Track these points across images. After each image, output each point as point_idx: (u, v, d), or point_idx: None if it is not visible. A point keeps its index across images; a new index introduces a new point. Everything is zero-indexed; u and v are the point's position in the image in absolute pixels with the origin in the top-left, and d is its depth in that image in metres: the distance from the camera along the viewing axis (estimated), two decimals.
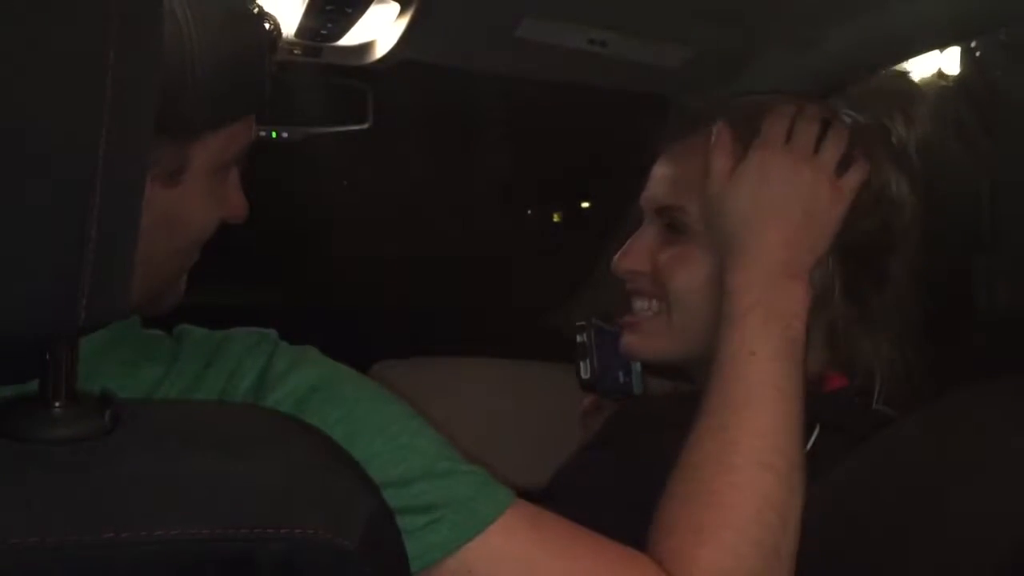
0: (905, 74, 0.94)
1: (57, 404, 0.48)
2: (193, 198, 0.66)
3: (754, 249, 0.81)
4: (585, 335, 1.09)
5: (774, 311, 0.78)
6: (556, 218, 2.30)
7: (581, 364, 1.08)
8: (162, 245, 0.66)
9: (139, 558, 0.45)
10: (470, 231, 1.86)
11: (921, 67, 1.13)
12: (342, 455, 0.55)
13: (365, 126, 1.25)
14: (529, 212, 2.26)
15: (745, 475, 0.71)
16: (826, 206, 0.83)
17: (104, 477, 0.46)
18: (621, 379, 1.08)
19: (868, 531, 0.69)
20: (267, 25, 0.71)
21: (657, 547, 0.69)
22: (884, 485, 0.72)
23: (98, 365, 0.58)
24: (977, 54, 1.15)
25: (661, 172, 0.95)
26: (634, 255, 0.94)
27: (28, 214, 0.43)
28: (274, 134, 1.20)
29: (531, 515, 0.65)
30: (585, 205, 2.18)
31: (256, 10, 0.70)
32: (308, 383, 0.61)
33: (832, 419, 0.81)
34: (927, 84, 0.91)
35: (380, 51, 1.13)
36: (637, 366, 1.09)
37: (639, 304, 0.96)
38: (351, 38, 1.13)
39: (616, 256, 0.96)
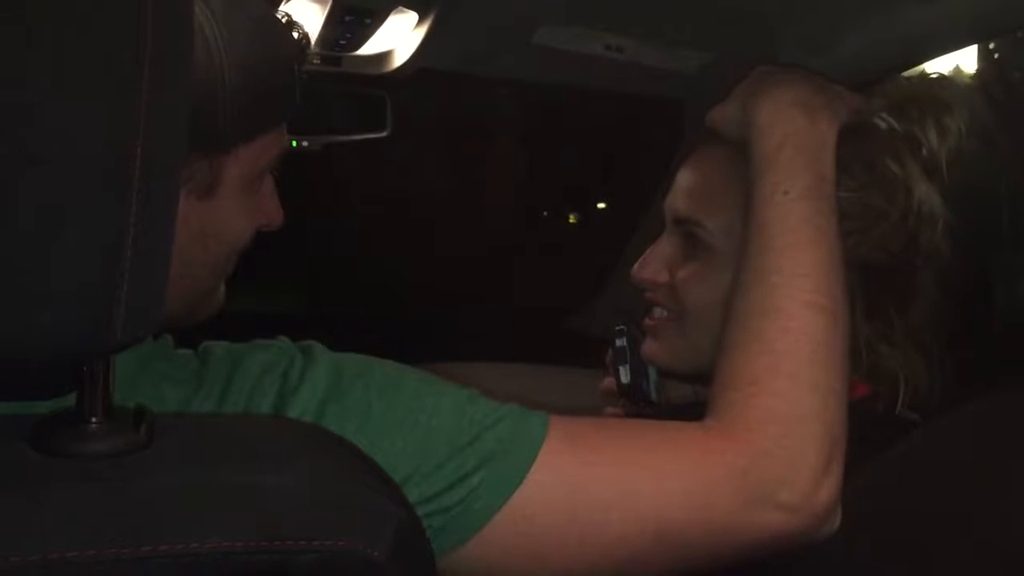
0: (943, 79, 0.91)
1: (94, 419, 0.49)
2: (228, 210, 0.67)
3: (776, 89, 0.81)
4: (625, 340, 1.08)
5: (802, 147, 0.77)
6: (572, 219, 2.30)
7: (621, 369, 1.07)
8: (199, 257, 0.67)
9: (176, 570, 0.46)
10: (487, 235, 1.87)
11: (937, 65, 1.12)
12: (371, 466, 0.55)
13: (384, 134, 1.25)
14: (545, 214, 2.26)
15: (795, 319, 0.71)
16: (839, 88, 0.85)
17: (140, 491, 0.47)
18: (644, 386, 1.08)
19: (898, 534, 0.69)
20: (295, 34, 0.71)
21: (716, 401, 0.70)
22: (914, 489, 0.72)
23: (129, 389, 0.58)
24: (996, 55, 1.15)
25: (682, 181, 0.94)
26: (652, 266, 0.94)
27: (65, 232, 0.44)
28: (294, 143, 1.21)
29: (566, 435, 0.64)
30: (601, 206, 2.18)
31: (284, 19, 0.71)
32: (318, 397, 0.61)
33: (855, 429, 0.81)
34: (962, 90, 0.89)
35: (399, 60, 1.14)
36: (653, 373, 1.09)
37: (658, 312, 0.96)
38: (370, 47, 1.14)
39: (635, 265, 0.96)
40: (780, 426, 0.67)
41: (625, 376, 1.07)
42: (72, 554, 0.44)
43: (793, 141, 0.77)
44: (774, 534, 0.66)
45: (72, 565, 0.44)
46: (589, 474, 0.63)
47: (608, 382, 1.13)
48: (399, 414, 0.62)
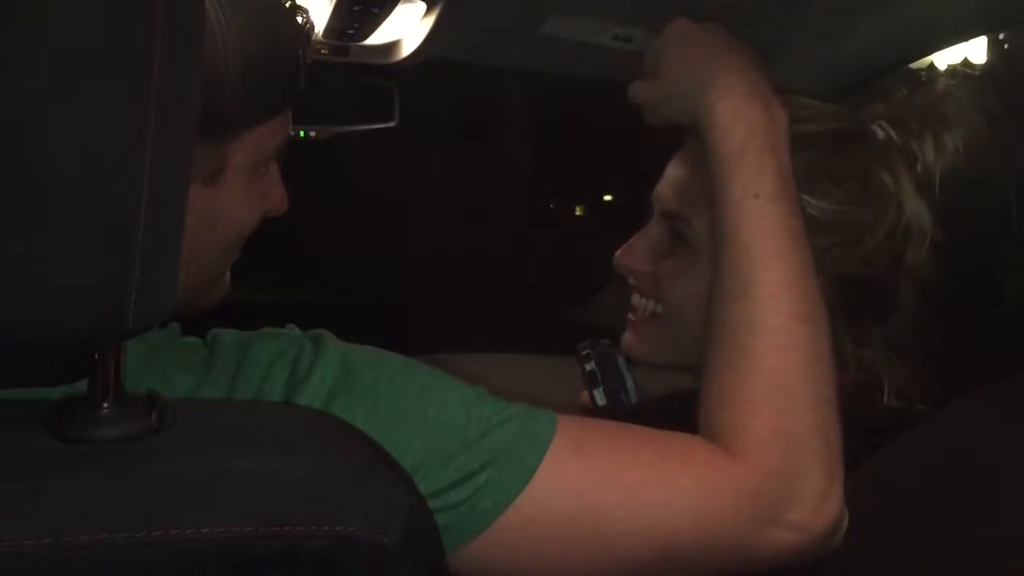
0: (947, 93, 0.89)
1: (105, 405, 0.49)
2: (234, 196, 0.67)
3: (726, 73, 0.76)
4: (594, 362, 1.08)
5: (765, 146, 0.74)
6: (579, 211, 2.30)
7: (595, 392, 1.07)
8: (206, 244, 0.67)
9: (187, 555, 0.46)
10: (494, 226, 1.87)
11: (947, 57, 1.12)
12: (380, 453, 0.56)
13: (391, 124, 1.25)
14: (552, 206, 2.27)
15: (783, 333, 0.69)
16: (741, 45, 0.80)
17: (152, 476, 0.47)
18: (623, 396, 1.08)
19: (900, 529, 0.69)
20: (300, 19, 0.71)
21: (712, 422, 0.69)
22: (917, 478, 0.72)
23: (138, 377, 0.58)
24: (1005, 46, 1.14)
25: (673, 173, 0.93)
26: (636, 255, 0.94)
27: (77, 219, 0.44)
28: (302, 133, 1.21)
29: (575, 440, 0.64)
30: (608, 198, 2.18)
31: (288, 3, 0.71)
32: (327, 386, 0.61)
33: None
34: (965, 106, 0.87)
35: (407, 50, 1.14)
36: (630, 379, 1.08)
37: (637, 300, 0.95)
38: (378, 37, 1.14)
39: (619, 251, 0.95)
40: (784, 444, 0.66)
41: (601, 399, 1.06)
42: (84, 538, 0.44)
43: (757, 140, 0.74)
44: (784, 553, 0.66)
45: (83, 549, 0.44)
46: (596, 482, 0.63)
47: (586, 396, 1.12)
48: (407, 405, 0.62)
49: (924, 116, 0.86)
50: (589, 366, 1.07)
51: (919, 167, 0.85)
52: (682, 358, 0.91)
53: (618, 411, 1.07)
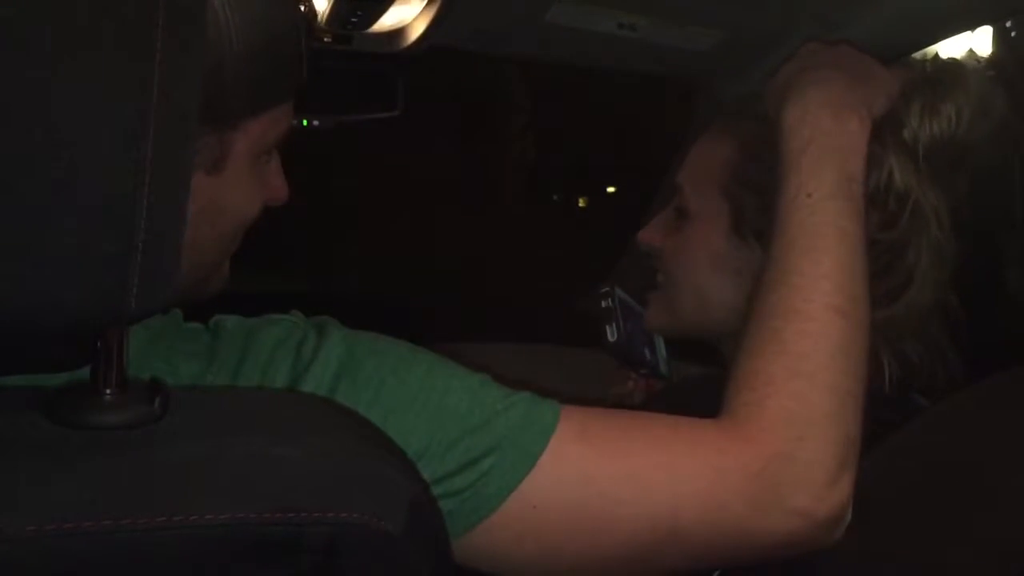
0: (957, 64, 0.89)
1: (108, 391, 0.49)
2: (236, 184, 0.67)
3: (809, 86, 0.80)
4: (610, 300, 1.09)
5: (829, 147, 0.77)
6: (582, 203, 2.30)
7: (608, 328, 1.09)
8: (207, 232, 0.66)
9: (191, 541, 0.46)
10: (498, 215, 1.87)
11: (951, 47, 1.11)
12: (385, 440, 0.55)
13: (395, 113, 1.25)
14: (555, 198, 2.27)
15: (815, 322, 0.70)
16: (883, 73, 0.83)
17: (156, 462, 0.47)
18: (647, 355, 1.08)
19: (897, 526, 0.69)
20: (301, 7, 0.71)
21: (730, 400, 0.69)
22: (917, 471, 0.72)
23: (142, 364, 0.58)
24: (1012, 34, 1.14)
25: (691, 152, 0.98)
26: (651, 229, 0.99)
27: (79, 205, 0.44)
28: (304, 123, 1.21)
29: (579, 427, 0.64)
30: (611, 190, 2.18)
31: None
32: (331, 372, 0.61)
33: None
34: (970, 78, 0.86)
35: (410, 38, 1.13)
36: (661, 347, 1.09)
37: (659, 277, 1.00)
38: (381, 25, 1.13)
39: (642, 228, 1.01)
40: (796, 429, 0.67)
41: (612, 335, 1.08)
42: (87, 524, 0.44)
43: (818, 143, 0.77)
44: (787, 539, 0.66)
45: (87, 535, 0.44)
46: (601, 467, 0.63)
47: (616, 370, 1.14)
48: (411, 391, 0.62)
49: (919, 82, 0.87)
50: (605, 303, 1.09)
51: (905, 132, 0.85)
52: (686, 328, 0.94)
53: (635, 360, 1.09)
